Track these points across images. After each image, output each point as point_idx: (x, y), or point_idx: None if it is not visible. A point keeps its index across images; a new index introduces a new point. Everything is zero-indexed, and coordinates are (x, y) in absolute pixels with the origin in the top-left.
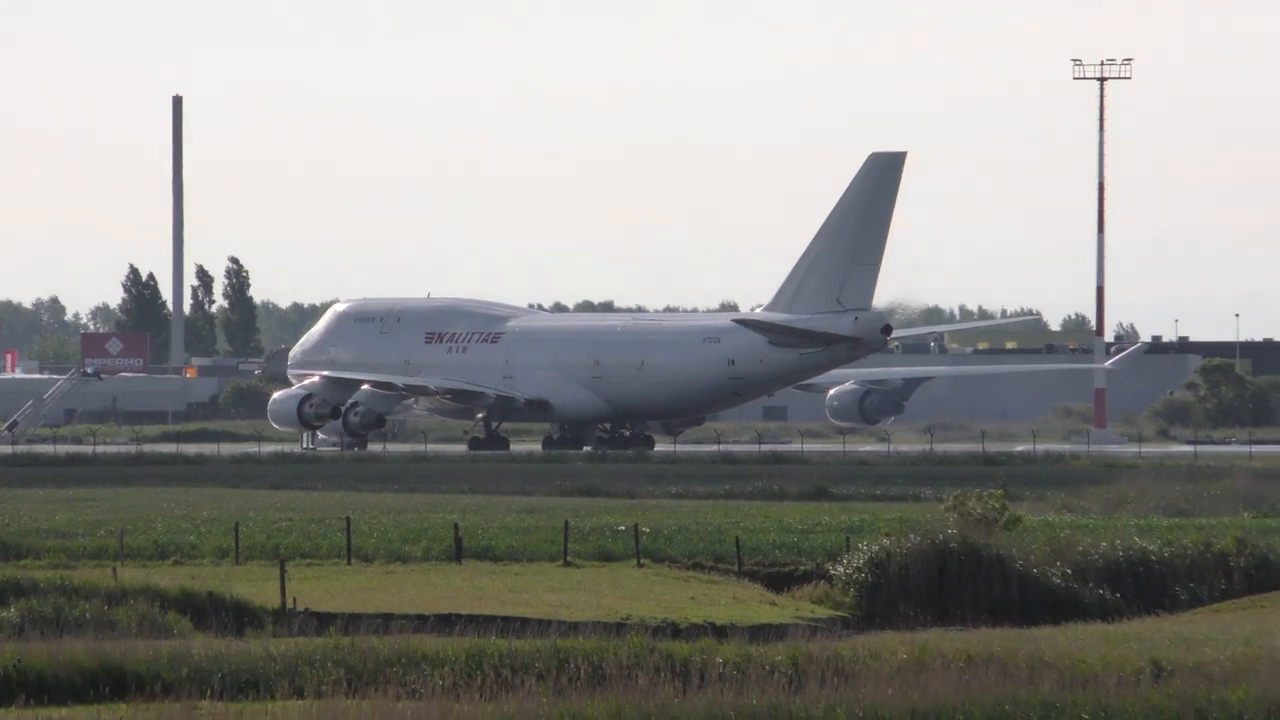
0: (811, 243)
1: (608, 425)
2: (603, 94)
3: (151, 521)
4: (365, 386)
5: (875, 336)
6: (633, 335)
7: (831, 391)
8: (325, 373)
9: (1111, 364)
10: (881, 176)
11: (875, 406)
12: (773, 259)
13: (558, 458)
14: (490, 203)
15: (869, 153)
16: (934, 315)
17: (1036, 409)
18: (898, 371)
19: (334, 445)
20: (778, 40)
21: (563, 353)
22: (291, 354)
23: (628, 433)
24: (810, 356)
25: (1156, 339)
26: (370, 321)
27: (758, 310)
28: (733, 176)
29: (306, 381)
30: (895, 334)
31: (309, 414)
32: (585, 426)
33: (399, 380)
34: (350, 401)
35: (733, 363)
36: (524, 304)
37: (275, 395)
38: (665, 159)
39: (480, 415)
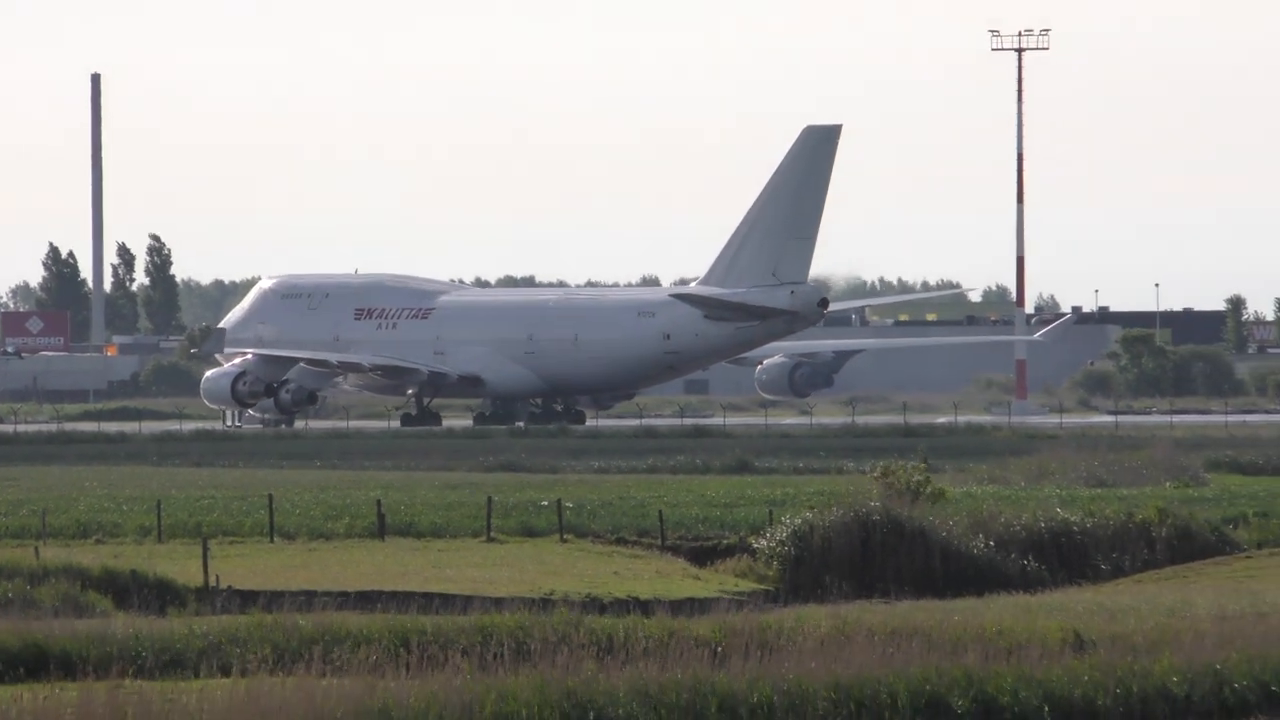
0: (746, 216)
1: (539, 400)
2: (521, 66)
3: (73, 500)
4: (299, 364)
5: (812, 310)
6: (567, 310)
7: (761, 365)
8: (258, 350)
9: (1041, 335)
10: (816, 149)
11: (805, 379)
12: (695, 233)
13: (480, 433)
14: (410, 179)
15: (803, 126)
16: (856, 288)
17: (958, 381)
18: (827, 344)
19: (258, 422)
20: (699, 13)
21: (495, 328)
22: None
23: (559, 407)
24: (746, 330)
25: (1077, 309)
26: (298, 298)
27: (693, 284)
28: (654, 151)
29: (238, 360)
30: None
31: (243, 392)
32: (517, 402)
33: (332, 357)
34: (283, 378)
35: (668, 337)
36: (446, 280)
37: (208, 374)
38: (587, 133)
39: (411, 391)
